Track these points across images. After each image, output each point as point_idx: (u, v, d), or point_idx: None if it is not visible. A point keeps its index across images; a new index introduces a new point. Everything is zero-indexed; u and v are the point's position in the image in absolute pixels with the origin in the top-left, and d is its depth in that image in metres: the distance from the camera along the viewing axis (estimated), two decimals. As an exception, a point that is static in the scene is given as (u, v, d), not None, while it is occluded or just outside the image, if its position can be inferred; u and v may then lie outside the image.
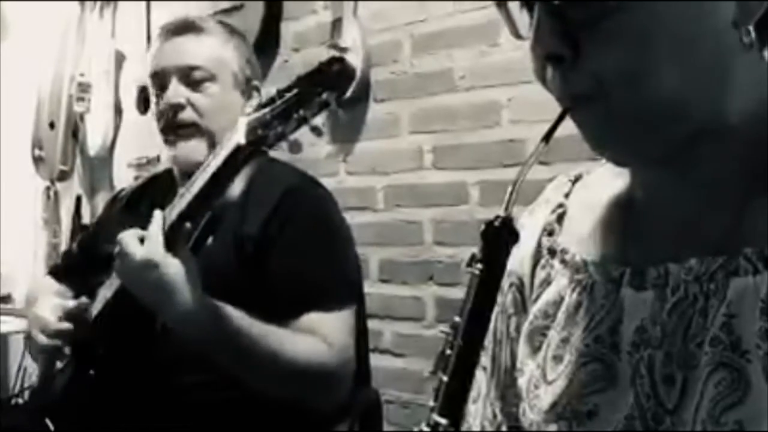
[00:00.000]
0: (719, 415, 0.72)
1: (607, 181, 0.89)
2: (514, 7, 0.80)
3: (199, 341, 1.63)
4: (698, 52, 0.74)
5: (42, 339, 1.87)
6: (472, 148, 2.58)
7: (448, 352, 0.74)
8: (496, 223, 0.74)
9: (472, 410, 0.96)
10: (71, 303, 1.89)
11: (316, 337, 1.71)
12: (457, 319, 0.75)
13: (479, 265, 0.74)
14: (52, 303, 1.91)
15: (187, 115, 1.87)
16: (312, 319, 1.72)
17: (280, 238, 1.77)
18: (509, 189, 0.75)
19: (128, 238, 1.59)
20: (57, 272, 2.16)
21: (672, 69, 0.74)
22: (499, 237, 0.74)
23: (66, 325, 1.86)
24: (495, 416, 0.96)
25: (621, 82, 0.74)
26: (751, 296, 0.73)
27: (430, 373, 0.74)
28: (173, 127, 1.88)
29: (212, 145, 1.85)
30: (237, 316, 1.61)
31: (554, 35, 0.75)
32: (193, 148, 1.86)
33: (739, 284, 0.74)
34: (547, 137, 0.78)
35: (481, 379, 0.96)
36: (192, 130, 1.87)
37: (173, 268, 1.56)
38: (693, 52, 0.74)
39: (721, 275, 0.75)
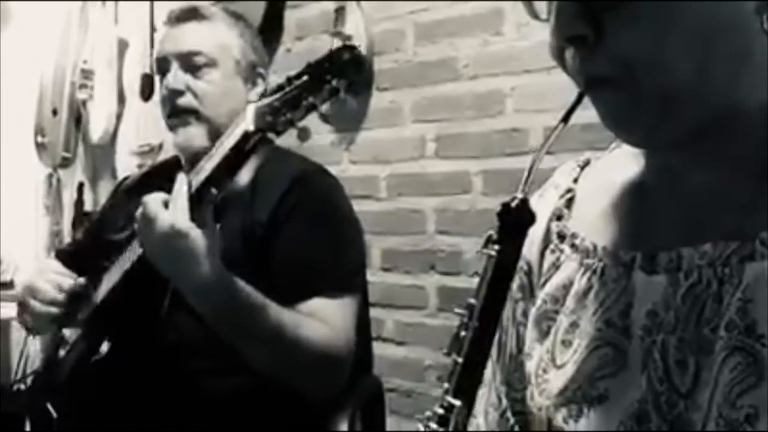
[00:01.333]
0: (734, 399, 0.72)
1: (616, 166, 0.89)
2: None
3: (211, 315, 1.63)
4: (721, 36, 0.74)
5: (35, 305, 1.88)
6: (475, 137, 2.58)
7: (463, 333, 0.74)
8: (514, 204, 0.74)
9: (477, 395, 0.96)
10: (69, 281, 1.90)
11: (319, 321, 1.72)
12: (472, 300, 0.75)
13: (496, 247, 0.74)
14: (50, 276, 1.91)
15: (186, 101, 1.88)
16: (315, 304, 1.73)
17: (287, 224, 1.78)
18: (526, 170, 0.75)
19: (153, 202, 1.58)
20: (63, 257, 2.16)
21: (695, 52, 0.74)
22: (517, 218, 0.74)
23: (61, 296, 1.87)
24: (500, 401, 0.96)
25: (644, 64, 0.74)
26: (766, 281, 0.73)
27: (445, 354, 0.74)
28: (173, 113, 1.90)
29: (213, 131, 1.85)
30: (251, 292, 1.62)
31: (577, 16, 0.74)
32: (192, 134, 1.87)
33: (755, 269, 0.74)
34: (566, 118, 0.77)
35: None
36: (191, 116, 1.88)
37: (198, 239, 1.55)
38: (716, 36, 0.74)
39: (736, 260, 0.75)
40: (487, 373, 0.96)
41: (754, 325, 0.73)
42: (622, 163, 0.88)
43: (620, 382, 0.80)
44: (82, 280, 1.91)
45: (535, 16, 0.80)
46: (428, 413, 0.74)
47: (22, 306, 1.93)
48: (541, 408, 0.86)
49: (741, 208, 0.77)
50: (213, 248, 1.57)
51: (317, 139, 2.90)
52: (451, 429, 0.74)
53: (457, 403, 0.73)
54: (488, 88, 2.55)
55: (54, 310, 1.88)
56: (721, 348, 0.74)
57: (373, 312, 2.13)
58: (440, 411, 0.73)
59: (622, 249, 0.83)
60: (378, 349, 2.19)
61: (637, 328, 0.80)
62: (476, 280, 0.76)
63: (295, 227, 1.78)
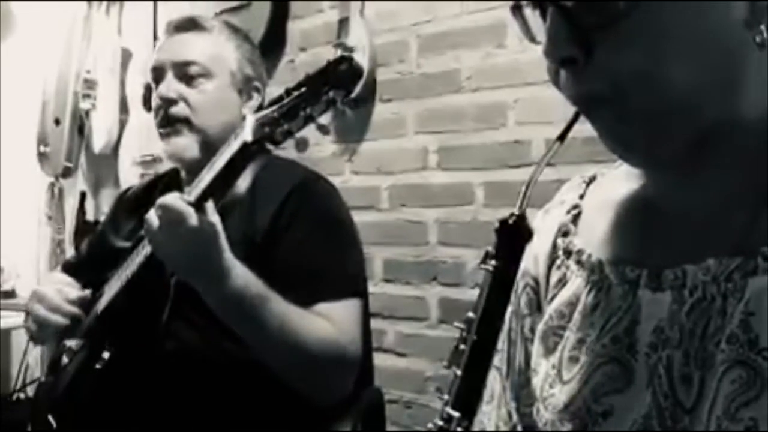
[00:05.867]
0: (734, 411, 0.72)
1: (621, 182, 0.90)
2: (529, 12, 0.80)
3: (229, 300, 1.62)
4: (710, 51, 0.75)
5: (41, 311, 1.88)
6: (477, 148, 2.59)
7: (462, 347, 0.75)
8: (511, 221, 0.74)
9: (487, 411, 0.96)
10: (75, 291, 1.90)
11: (326, 321, 1.72)
12: (470, 314, 0.75)
13: (493, 262, 0.75)
14: (56, 287, 1.92)
15: (179, 110, 1.88)
16: (320, 308, 1.73)
17: (287, 231, 1.78)
18: (523, 187, 0.75)
19: (175, 199, 1.58)
20: (68, 268, 2.17)
21: (684, 69, 0.74)
22: (514, 234, 0.74)
23: (67, 306, 1.87)
24: (510, 416, 0.96)
25: (634, 83, 0.74)
26: None
27: (444, 367, 0.75)
28: (165, 122, 1.89)
29: (204, 142, 1.85)
30: (260, 283, 1.64)
31: (566, 38, 0.75)
32: (183, 144, 1.87)
33: (758, 283, 0.74)
34: (563, 136, 0.78)
35: (495, 380, 0.96)
36: (183, 125, 1.87)
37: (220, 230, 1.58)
38: (705, 51, 0.75)
39: (739, 275, 0.76)
40: (498, 388, 0.97)
41: (756, 338, 0.73)
42: (627, 179, 0.89)
43: (625, 398, 0.80)
44: (87, 292, 1.91)
45: (531, 39, 0.80)
46: (430, 425, 0.74)
47: (28, 313, 1.94)
48: (546, 423, 0.87)
49: (743, 223, 0.77)
50: (222, 239, 1.59)
51: (319, 149, 2.91)
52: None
53: (456, 414, 0.74)
54: (491, 100, 2.56)
55: (58, 318, 1.88)
56: (722, 361, 0.74)
57: (375, 323, 2.13)
58: (440, 423, 0.74)
59: (628, 266, 0.83)
60: (379, 360, 2.18)
61: (643, 345, 0.80)
62: (478, 292, 0.76)
63: (296, 235, 1.78)
